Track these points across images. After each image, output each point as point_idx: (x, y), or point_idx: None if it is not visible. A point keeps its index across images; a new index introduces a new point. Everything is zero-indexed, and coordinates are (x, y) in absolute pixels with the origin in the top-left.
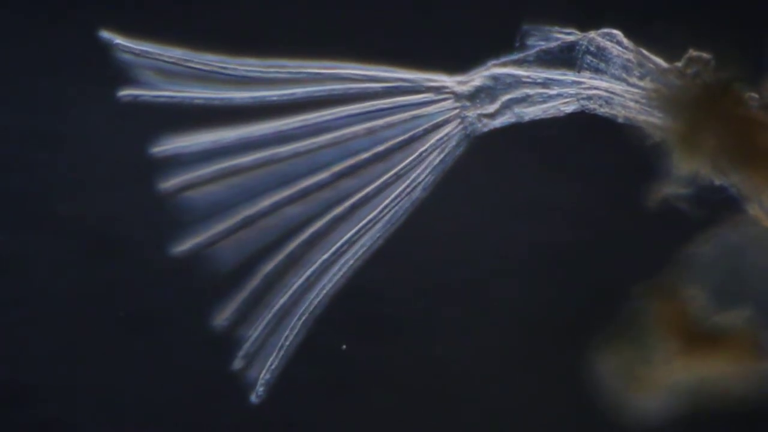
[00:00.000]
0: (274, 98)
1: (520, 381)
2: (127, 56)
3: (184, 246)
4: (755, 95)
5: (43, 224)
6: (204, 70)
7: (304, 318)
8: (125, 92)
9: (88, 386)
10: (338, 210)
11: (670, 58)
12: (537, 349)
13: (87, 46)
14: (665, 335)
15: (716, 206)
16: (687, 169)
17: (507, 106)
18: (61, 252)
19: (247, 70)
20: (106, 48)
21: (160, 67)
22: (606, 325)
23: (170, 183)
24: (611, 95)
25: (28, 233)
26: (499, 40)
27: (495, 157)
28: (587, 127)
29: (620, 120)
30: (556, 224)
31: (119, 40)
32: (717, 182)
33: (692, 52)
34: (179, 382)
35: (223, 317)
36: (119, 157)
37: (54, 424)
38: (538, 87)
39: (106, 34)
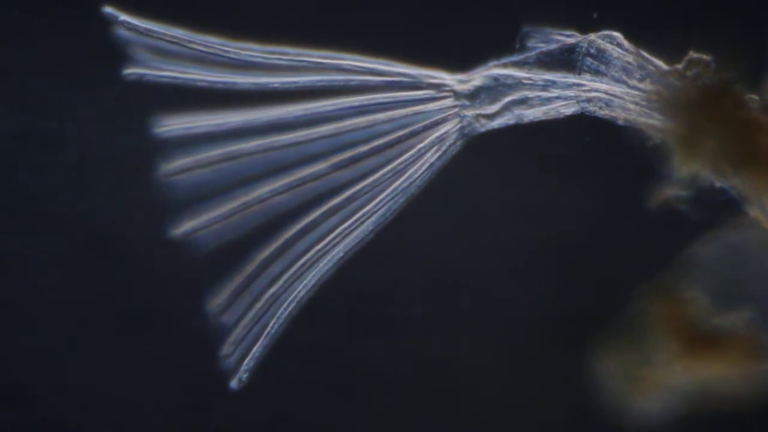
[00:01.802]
0: (275, 85)
1: (521, 381)
2: (130, 35)
3: (179, 230)
4: (755, 97)
5: (43, 224)
6: (206, 53)
7: (290, 308)
8: (130, 71)
9: (88, 386)
10: (332, 202)
11: (670, 61)
12: (537, 349)
13: (88, 45)
14: (666, 337)
15: (717, 208)
16: (687, 171)
17: (507, 107)
18: (61, 252)
19: (249, 55)
20: (107, 47)
21: (162, 47)
22: (607, 326)
23: (168, 166)
24: (611, 97)
25: (28, 233)
26: (502, 41)
27: (496, 157)
28: (588, 129)
29: (620, 122)
30: (558, 225)
31: (123, 17)
32: (717, 184)
33: (692, 54)
34: (179, 382)
35: (214, 303)
36: (119, 157)
37: (54, 424)
38: (538, 89)
39: (109, 11)
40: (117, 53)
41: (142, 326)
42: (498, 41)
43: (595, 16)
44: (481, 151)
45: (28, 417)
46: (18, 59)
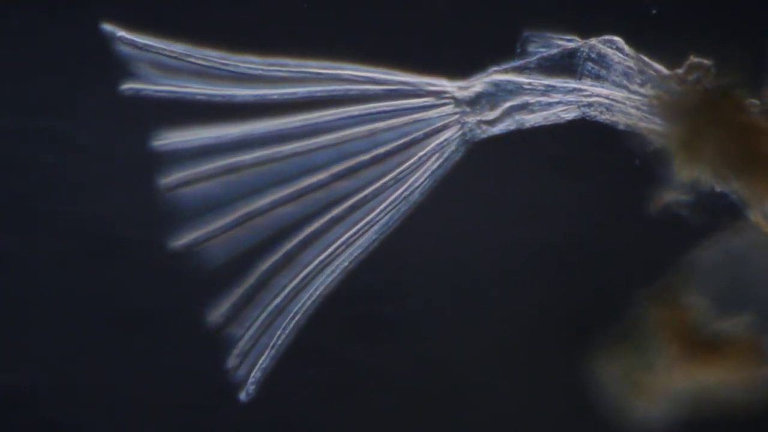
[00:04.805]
0: (275, 97)
1: (520, 384)
2: (128, 49)
3: (181, 241)
4: (756, 101)
5: (43, 224)
6: (205, 66)
7: (296, 318)
8: (128, 86)
9: (88, 386)
10: (335, 211)
11: (671, 65)
12: (537, 352)
13: (87, 45)
14: (666, 341)
15: (717, 212)
16: (688, 176)
17: (507, 112)
18: (61, 252)
19: (248, 68)
20: (107, 47)
21: (161, 62)
22: (607, 331)
23: (169, 179)
24: (612, 102)
25: (28, 233)
26: (501, 46)
27: (496, 160)
28: (589, 133)
29: (621, 127)
30: (559, 229)
31: (122, 32)
32: (718, 188)
33: (693, 59)
34: (179, 382)
35: (218, 315)
36: (119, 157)
37: (54, 424)
38: (539, 94)
39: (108, 27)
40: (117, 53)
41: (143, 327)
42: (498, 47)
43: (654, 12)
44: (481, 153)
45: (28, 417)
46: (18, 59)
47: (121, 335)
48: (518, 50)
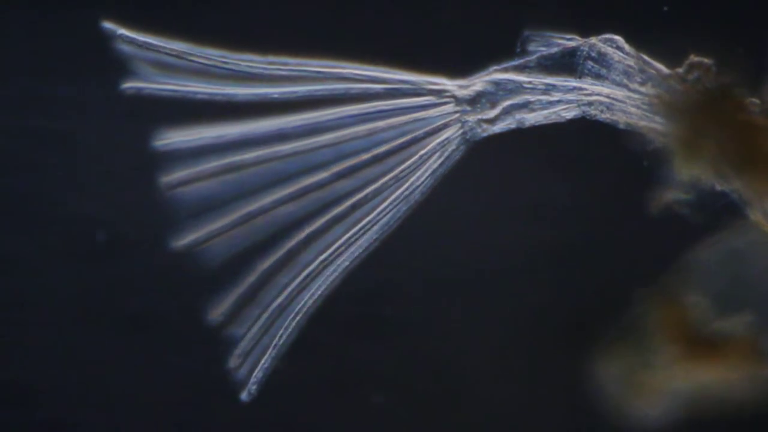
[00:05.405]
0: (276, 95)
1: (520, 383)
2: (129, 48)
3: (182, 241)
4: (756, 100)
5: (43, 224)
6: (205, 65)
7: (297, 318)
8: (129, 84)
9: (88, 386)
10: (336, 210)
11: (671, 64)
12: (537, 351)
13: (88, 45)
14: (666, 340)
15: (718, 212)
16: (688, 175)
17: (508, 111)
18: (61, 252)
19: (248, 66)
20: (107, 47)
21: (161, 60)
22: (607, 329)
23: (170, 178)
24: (612, 101)
25: (28, 233)
26: (502, 45)
27: (496, 159)
28: (589, 131)
29: (622, 126)
30: (559, 228)
31: (122, 31)
32: (718, 188)
33: (693, 58)
34: (178, 382)
35: (218, 313)
36: (120, 157)
37: (54, 424)
38: (539, 93)
39: (108, 26)
40: (118, 52)
41: (142, 327)
42: (499, 46)
43: (665, 9)
44: (481, 153)
45: (28, 417)
46: (18, 59)
47: (121, 335)
48: (518, 49)
